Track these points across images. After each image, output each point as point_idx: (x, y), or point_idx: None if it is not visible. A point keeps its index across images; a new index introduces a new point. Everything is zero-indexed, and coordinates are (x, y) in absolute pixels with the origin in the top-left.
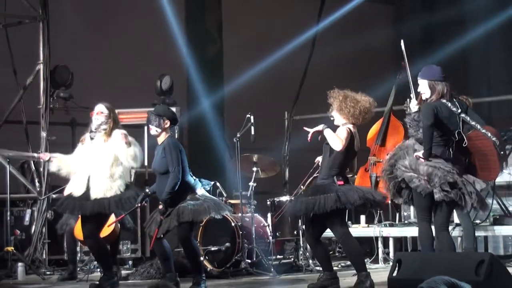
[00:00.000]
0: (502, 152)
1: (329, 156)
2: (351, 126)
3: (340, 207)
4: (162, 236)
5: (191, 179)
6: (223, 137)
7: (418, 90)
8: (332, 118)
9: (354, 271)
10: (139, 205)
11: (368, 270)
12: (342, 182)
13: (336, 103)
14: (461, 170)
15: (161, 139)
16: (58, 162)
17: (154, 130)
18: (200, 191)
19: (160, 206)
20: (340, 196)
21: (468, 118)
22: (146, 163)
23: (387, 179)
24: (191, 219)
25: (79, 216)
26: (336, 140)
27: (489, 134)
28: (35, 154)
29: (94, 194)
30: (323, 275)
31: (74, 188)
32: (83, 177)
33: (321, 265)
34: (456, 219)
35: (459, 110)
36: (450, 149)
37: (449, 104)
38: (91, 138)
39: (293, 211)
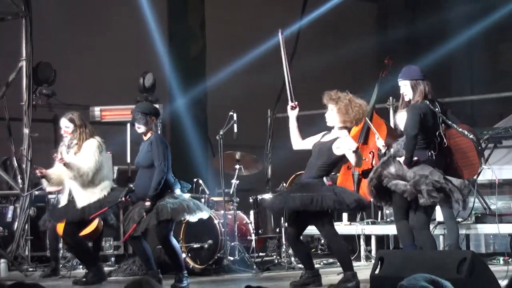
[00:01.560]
0: (480, 148)
1: (321, 157)
2: (346, 131)
3: (338, 207)
4: (140, 234)
5: (171, 178)
6: (205, 135)
7: (401, 92)
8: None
9: (337, 269)
10: (123, 199)
11: (355, 270)
12: (330, 183)
13: (342, 105)
14: (443, 172)
15: (147, 135)
16: (53, 179)
17: (142, 128)
18: (178, 191)
19: (147, 203)
20: (338, 196)
21: (444, 118)
22: (128, 160)
23: (373, 185)
24: (170, 217)
25: None
26: (360, 160)
27: (465, 132)
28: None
29: (80, 203)
30: (306, 273)
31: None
32: (66, 190)
33: (303, 263)
34: (438, 217)
35: (438, 110)
36: (432, 151)
37: (430, 104)
38: (67, 153)
39: (284, 206)
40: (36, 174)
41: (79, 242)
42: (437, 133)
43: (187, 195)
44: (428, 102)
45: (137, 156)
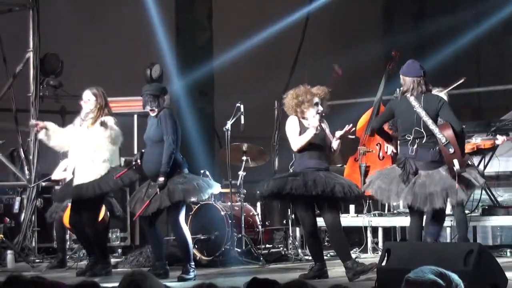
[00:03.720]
0: (451, 150)
1: (324, 147)
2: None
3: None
4: (154, 221)
5: (179, 157)
6: (212, 126)
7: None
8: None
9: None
10: (139, 162)
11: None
12: None
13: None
14: (426, 165)
15: (157, 113)
16: (49, 131)
17: (156, 111)
18: (186, 171)
19: (161, 179)
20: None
21: (423, 113)
22: (135, 151)
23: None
24: (182, 198)
25: (68, 204)
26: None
27: (436, 131)
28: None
29: (77, 180)
30: (315, 266)
31: (67, 174)
32: (72, 163)
33: (314, 256)
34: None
35: (416, 105)
36: (414, 146)
37: (412, 99)
38: (80, 125)
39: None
40: (34, 129)
41: (100, 231)
42: (413, 130)
43: None
44: (409, 95)
45: (146, 131)
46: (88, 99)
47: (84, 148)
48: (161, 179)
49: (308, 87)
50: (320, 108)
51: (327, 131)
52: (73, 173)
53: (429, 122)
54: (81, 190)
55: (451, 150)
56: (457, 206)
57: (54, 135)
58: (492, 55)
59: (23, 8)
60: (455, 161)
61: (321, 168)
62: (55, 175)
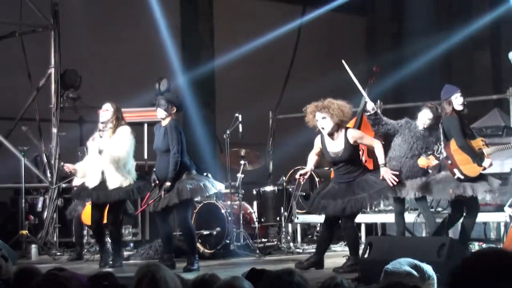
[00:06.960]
0: (449, 162)
1: (353, 156)
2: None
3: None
4: (165, 214)
5: (187, 160)
6: (214, 133)
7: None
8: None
9: (333, 253)
10: (157, 182)
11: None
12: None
13: (335, 109)
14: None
15: (165, 122)
16: (81, 173)
17: (162, 113)
18: (194, 172)
19: (168, 183)
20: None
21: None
22: (145, 157)
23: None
24: (190, 196)
25: (89, 203)
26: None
27: (442, 146)
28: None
29: (112, 185)
30: (312, 257)
31: (88, 180)
32: (97, 170)
33: (321, 247)
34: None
35: (440, 129)
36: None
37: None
38: (100, 137)
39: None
40: (65, 171)
41: (121, 231)
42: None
43: None
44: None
45: (155, 140)
46: (107, 109)
47: (108, 157)
48: (168, 183)
49: (312, 104)
50: (320, 125)
51: (364, 141)
52: (102, 179)
53: (441, 138)
54: (127, 191)
55: (449, 162)
56: (424, 207)
57: (79, 175)
58: (462, 69)
59: (46, 29)
60: (456, 171)
61: (342, 182)
62: (76, 182)
